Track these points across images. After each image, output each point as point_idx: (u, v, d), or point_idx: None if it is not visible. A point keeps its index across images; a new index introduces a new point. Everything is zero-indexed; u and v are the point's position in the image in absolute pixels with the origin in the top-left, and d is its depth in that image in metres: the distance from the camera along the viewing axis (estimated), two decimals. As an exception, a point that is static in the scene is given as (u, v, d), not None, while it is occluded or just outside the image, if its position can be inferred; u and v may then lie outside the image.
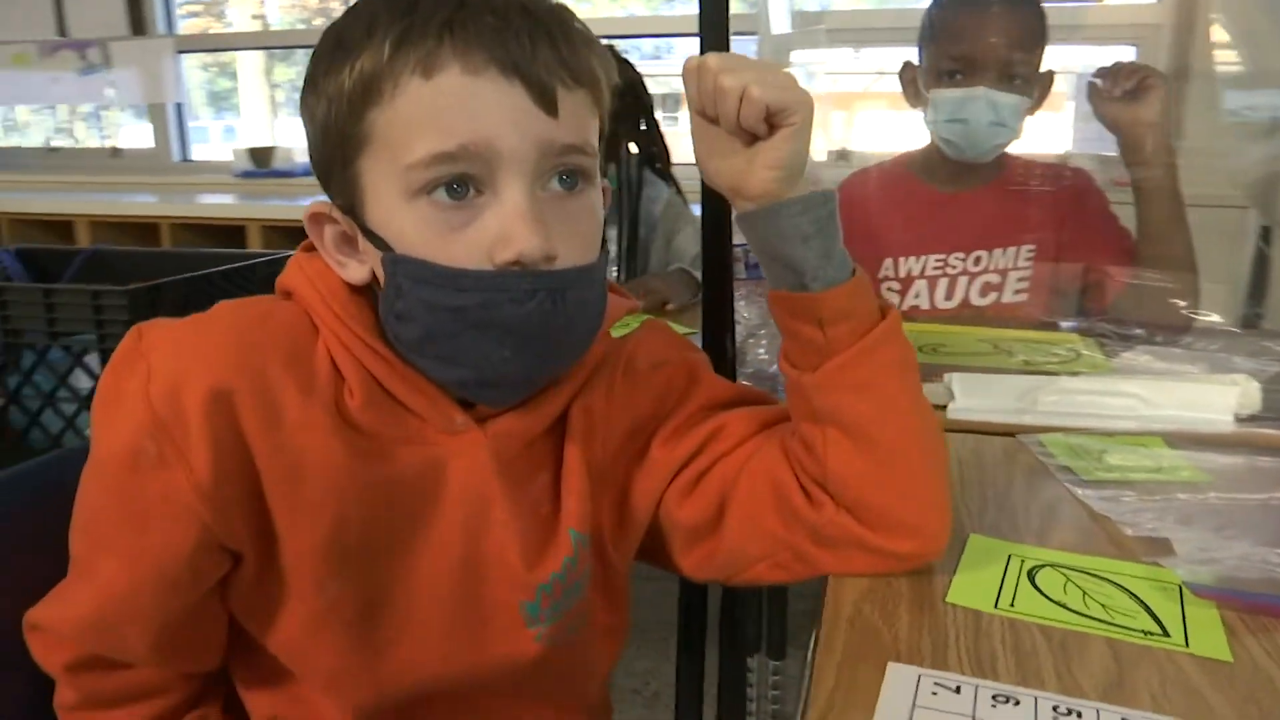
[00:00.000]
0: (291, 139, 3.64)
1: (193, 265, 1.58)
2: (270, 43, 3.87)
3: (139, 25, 3.69)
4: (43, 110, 4.21)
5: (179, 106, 3.76)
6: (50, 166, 3.88)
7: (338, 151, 0.63)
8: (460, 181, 0.59)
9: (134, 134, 3.96)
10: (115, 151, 3.91)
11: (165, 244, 3.04)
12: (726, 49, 0.92)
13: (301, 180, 3.36)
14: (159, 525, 0.62)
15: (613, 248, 1.72)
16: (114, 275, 1.70)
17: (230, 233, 3.00)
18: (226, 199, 3.35)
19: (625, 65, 1.62)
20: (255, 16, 3.96)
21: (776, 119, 0.64)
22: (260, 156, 3.48)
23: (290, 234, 2.87)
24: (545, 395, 0.71)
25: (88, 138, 4.16)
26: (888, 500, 0.68)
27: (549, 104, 0.59)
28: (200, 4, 3.96)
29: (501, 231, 0.59)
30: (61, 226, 3.18)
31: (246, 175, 3.46)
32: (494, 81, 0.58)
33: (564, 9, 0.63)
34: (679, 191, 1.80)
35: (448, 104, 0.58)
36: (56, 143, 4.13)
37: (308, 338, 0.65)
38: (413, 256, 0.60)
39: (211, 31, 3.95)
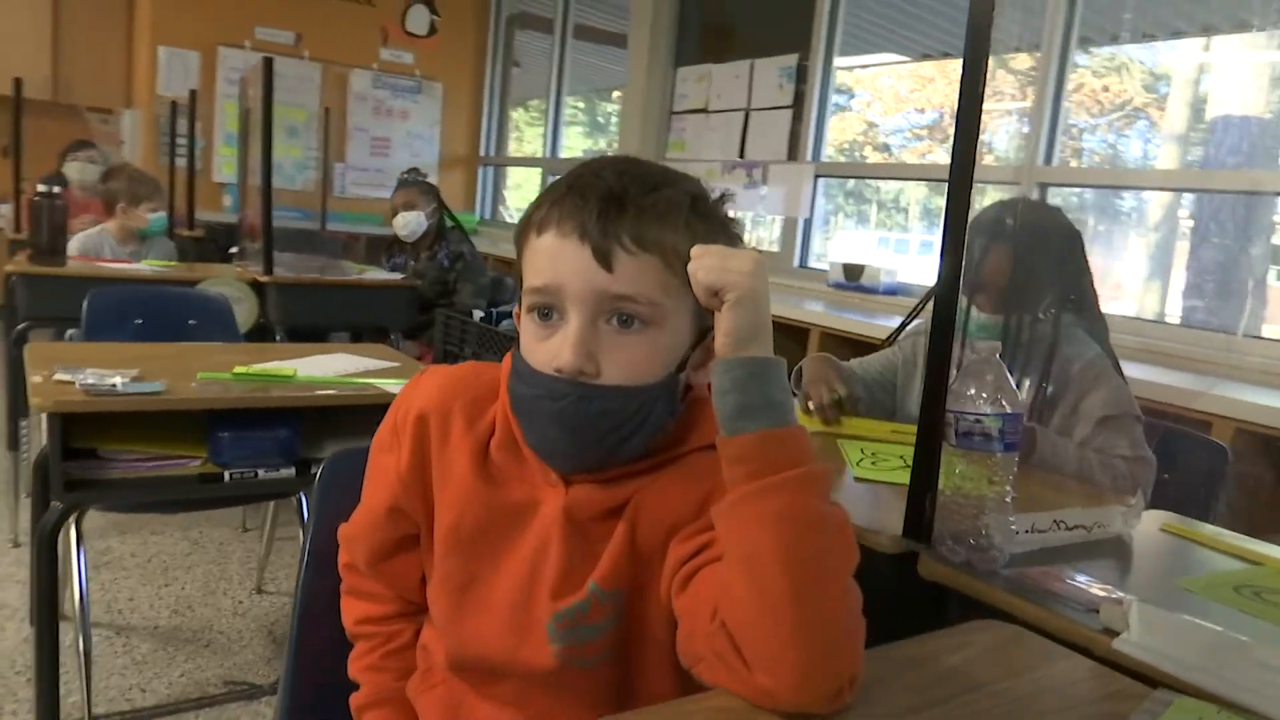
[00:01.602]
0: (884, 260, 3.93)
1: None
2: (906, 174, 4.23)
3: (793, 152, 4.37)
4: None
5: (807, 221, 4.33)
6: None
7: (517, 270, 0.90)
8: (546, 308, 0.82)
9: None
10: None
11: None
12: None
13: (881, 299, 3.64)
14: (378, 486, 0.96)
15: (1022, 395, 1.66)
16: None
17: (797, 334, 3.40)
18: (816, 306, 3.78)
19: (1054, 212, 1.62)
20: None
21: (720, 295, 0.75)
22: (851, 272, 3.85)
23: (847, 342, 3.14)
24: (619, 480, 0.87)
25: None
26: (750, 633, 0.70)
27: (606, 263, 0.78)
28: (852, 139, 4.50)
29: (558, 348, 0.80)
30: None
31: (837, 286, 3.86)
32: (571, 243, 0.79)
33: (660, 198, 0.81)
34: (1105, 347, 1.64)
35: (545, 254, 0.81)
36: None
37: (491, 394, 0.93)
38: (521, 354, 0.84)
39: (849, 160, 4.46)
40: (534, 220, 0.84)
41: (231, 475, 1.65)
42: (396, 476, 0.92)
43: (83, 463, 1.58)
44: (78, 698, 2.01)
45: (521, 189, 7.04)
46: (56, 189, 2.89)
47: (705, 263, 0.77)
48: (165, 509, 2.19)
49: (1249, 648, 0.80)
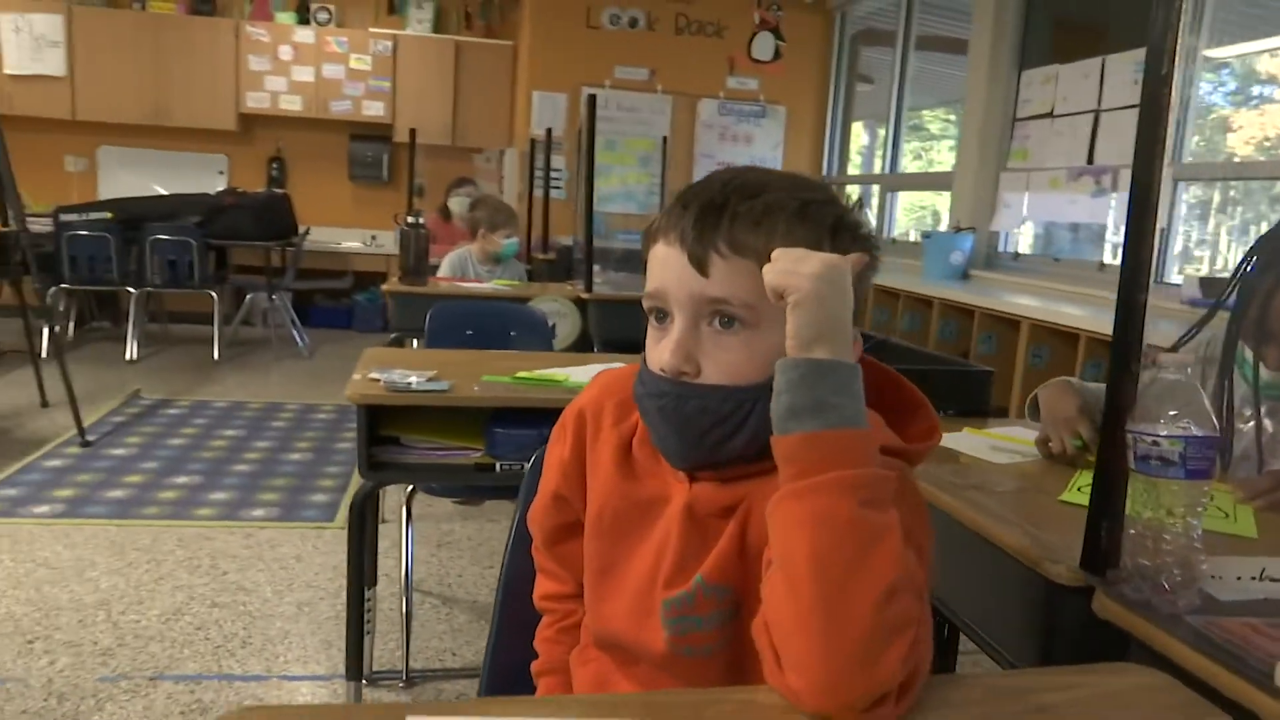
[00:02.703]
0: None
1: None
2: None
3: (1149, 154, 3.92)
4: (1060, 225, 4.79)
5: (1164, 231, 3.86)
6: (1047, 273, 4.45)
7: None
8: (658, 311, 0.88)
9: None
10: (1102, 266, 4.23)
11: (1081, 356, 3.30)
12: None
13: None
14: (548, 475, 1.08)
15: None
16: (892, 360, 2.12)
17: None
18: (1166, 324, 3.37)
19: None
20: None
21: (784, 298, 0.76)
22: (1211, 286, 3.38)
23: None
24: (737, 480, 0.91)
25: (1089, 252, 4.57)
26: (781, 633, 0.70)
27: (702, 269, 0.83)
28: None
29: (664, 349, 0.87)
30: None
31: (1193, 303, 3.41)
32: (674, 250, 0.85)
33: (759, 203, 0.84)
34: None
35: (655, 261, 0.88)
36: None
37: None
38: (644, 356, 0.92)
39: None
40: (650, 230, 0.90)
41: (501, 466, 1.86)
42: (560, 467, 1.02)
43: (388, 448, 1.88)
44: (401, 651, 2.37)
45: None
46: (422, 220, 3.40)
47: (775, 265, 0.78)
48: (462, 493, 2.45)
49: None
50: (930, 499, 1.28)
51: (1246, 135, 3.96)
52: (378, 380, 1.85)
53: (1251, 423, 1.45)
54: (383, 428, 1.88)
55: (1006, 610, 1.13)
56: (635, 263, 5.89)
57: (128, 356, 5.56)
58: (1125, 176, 3.97)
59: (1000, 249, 4.97)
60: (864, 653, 0.67)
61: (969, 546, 1.18)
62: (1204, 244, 4.17)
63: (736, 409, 0.84)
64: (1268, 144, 3.94)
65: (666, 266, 0.86)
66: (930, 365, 1.87)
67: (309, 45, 6.90)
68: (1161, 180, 0.96)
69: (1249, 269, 1.40)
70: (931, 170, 6.13)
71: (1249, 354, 1.46)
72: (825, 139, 7.01)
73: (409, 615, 2.40)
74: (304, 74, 6.91)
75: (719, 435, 0.85)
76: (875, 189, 6.44)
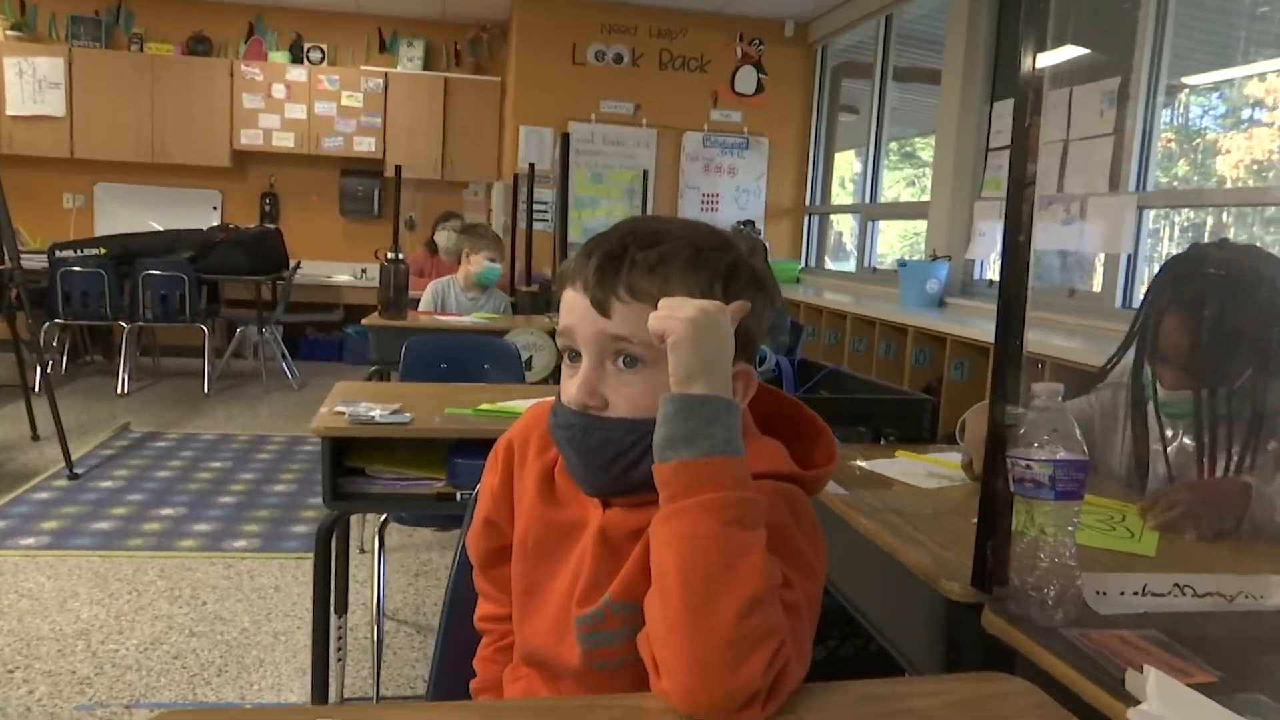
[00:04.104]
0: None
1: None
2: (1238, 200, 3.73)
3: (1114, 182, 4.01)
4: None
5: (1129, 258, 3.94)
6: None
7: None
8: (569, 350, 0.95)
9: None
10: (1071, 293, 4.31)
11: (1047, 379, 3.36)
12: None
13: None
14: (481, 501, 1.15)
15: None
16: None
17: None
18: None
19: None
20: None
21: (664, 339, 0.83)
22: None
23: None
24: (647, 505, 0.98)
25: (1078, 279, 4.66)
26: (655, 640, 0.78)
27: (604, 312, 0.91)
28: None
29: (572, 385, 0.94)
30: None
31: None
32: (580, 295, 0.92)
33: (655, 253, 0.91)
34: None
35: (564, 305, 0.94)
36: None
37: None
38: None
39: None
40: (560, 275, 0.98)
41: (462, 495, 1.93)
42: (491, 494, 1.09)
43: (354, 479, 1.94)
44: (373, 679, 2.42)
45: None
46: (401, 256, 3.49)
47: (658, 311, 0.85)
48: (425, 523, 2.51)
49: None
50: (851, 521, 1.35)
51: (1235, 159, 4.04)
52: (343, 413, 1.91)
53: (1173, 444, 1.52)
54: (350, 459, 1.95)
55: (915, 624, 1.19)
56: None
57: (119, 390, 5.63)
58: (1093, 204, 4.08)
59: (976, 276, 5.05)
60: (727, 658, 0.74)
61: (884, 566, 1.24)
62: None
63: (638, 440, 0.91)
64: (1256, 166, 4.03)
65: (573, 310, 0.93)
66: (874, 394, 1.94)
67: (301, 83, 7.04)
68: (1036, 216, 1.02)
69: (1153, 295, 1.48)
70: (925, 199, 6.22)
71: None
72: (809, 169, 7.12)
73: (380, 642, 2.45)
74: (296, 111, 7.04)
75: (623, 465, 0.92)
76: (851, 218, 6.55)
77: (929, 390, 3.97)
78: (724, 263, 0.94)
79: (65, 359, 6.27)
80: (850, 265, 6.55)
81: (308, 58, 7.15)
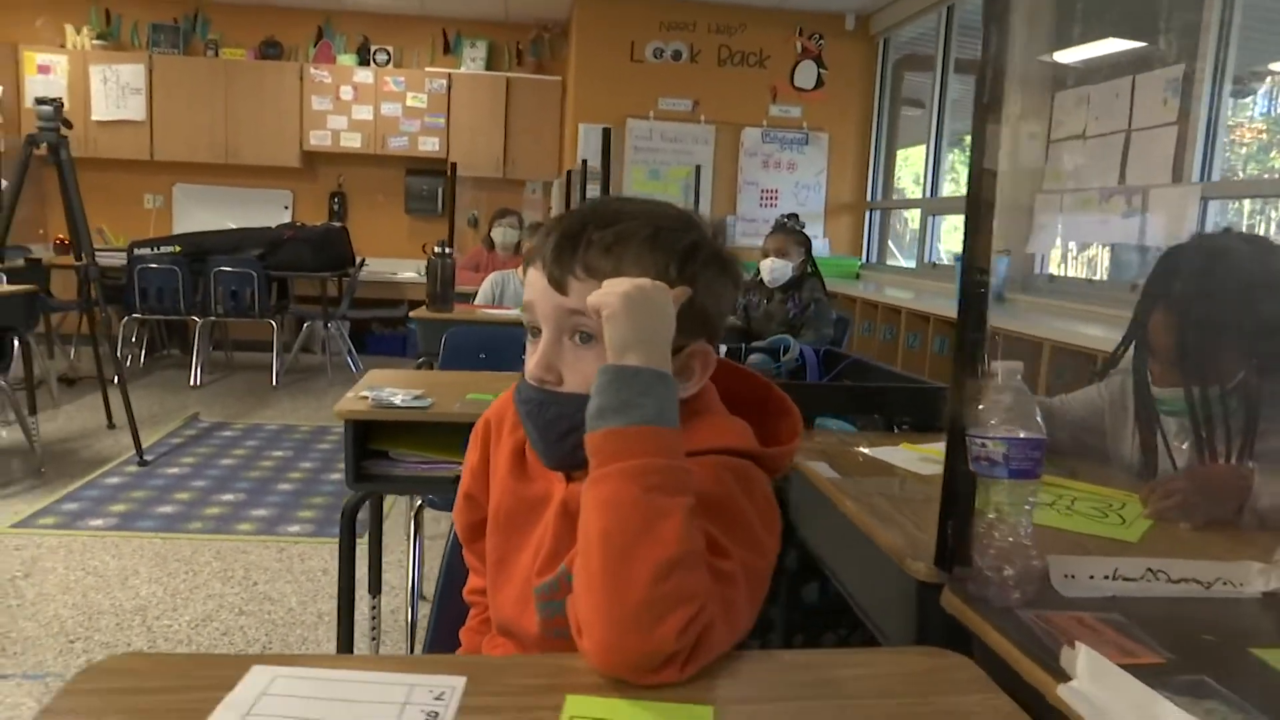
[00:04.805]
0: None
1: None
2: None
3: (1178, 173, 3.88)
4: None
5: (1193, 250, 3.81)
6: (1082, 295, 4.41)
7: None
8: (531, 327, 0.99)
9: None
10: (1134, 286, 4.18)
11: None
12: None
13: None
14: (464, 476, 1.19)
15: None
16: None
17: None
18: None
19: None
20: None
21: (600, 314, 0.86)
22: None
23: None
24: None
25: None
26: (578, 601, 0.80)
27: (561, 289, 0.94)
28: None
29: (531, 360, 0.97)
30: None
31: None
32: (540, 273, 0.95)
33: (612, 232, 0.94)
34: None
35: (528, 282, 0.98)
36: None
37: None
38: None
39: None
40: (527, 254, 1.01)
41: (481, 479, 1.97)
42: (470, 469, 1.13)
43: (378, 461, 2.01)
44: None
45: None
46: (449, 251, 3.57)
47: (600, 289, 0.88)
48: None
49: (1164, 715, 0.70)
50: (837, 502, 1.35)
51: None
52: (366, 398, 1.98)
53: (1173, 438, 1.48)
54: (376, 442, 2.01)
55: (890, 605, 1.19)
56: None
57: (192, 382, 5.87)
58: (1153, 196, 3.96)
59: (1036, 271, 4.93)
60: (642, 619, 0.76)
61: (864, 547, 1.25)
62: None
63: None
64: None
65: (534, 287, 0.96)
66: (888, 382, 1.93)
67: (368, 85, 7.22)
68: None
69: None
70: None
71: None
72: (869, 164, 7.03)
73: (413, 623, 2.52)
74: (363, 112, 7.23)
75: (576, 438, 0.94)
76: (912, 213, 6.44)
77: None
78: (682, 243, 0.96)
79: (144, 352, 6.55)
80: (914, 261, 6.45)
81: (374, 60, 7.34)
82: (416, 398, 2.00)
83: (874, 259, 7.06)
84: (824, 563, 1.50)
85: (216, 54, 7.20)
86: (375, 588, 2.42)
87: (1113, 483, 1.47)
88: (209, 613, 2.78)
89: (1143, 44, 4.31)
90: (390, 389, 2.03)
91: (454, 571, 1.37)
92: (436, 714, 0.73)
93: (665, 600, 0.76)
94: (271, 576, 3.07)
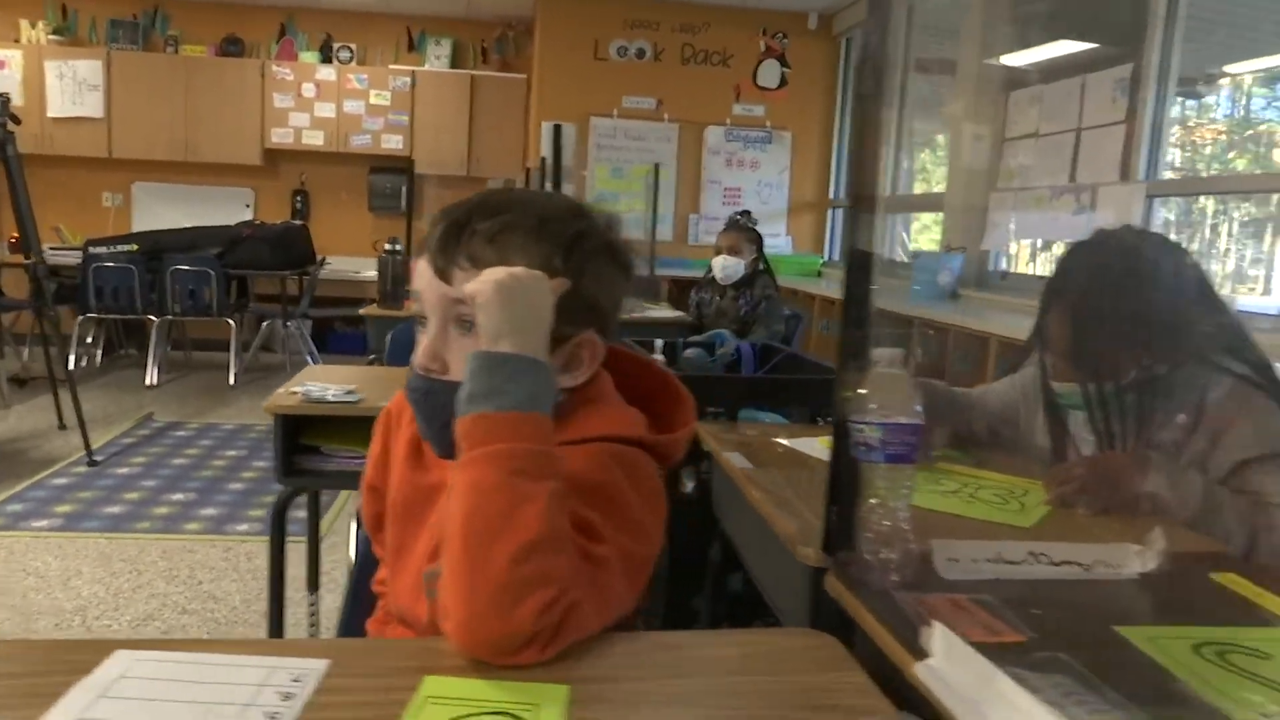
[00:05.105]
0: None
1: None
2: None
3: (1125, 171, 3.94)
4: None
5: (1139, 247, 3.87)
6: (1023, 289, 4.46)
7: None
8: (420, 316, 1.00)
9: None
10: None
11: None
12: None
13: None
14: (367, 468, 1.19)
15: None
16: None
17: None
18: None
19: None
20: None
21: (473, 302, 0.87)
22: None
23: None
24: None
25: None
26: (441, 580, 0.81)
27: (445, 279, 0.95)
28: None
29: (418, 349, 0.98)
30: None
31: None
32: (426, 262, 0.97)
33: (497, 223, 0.94)
34: (1263, 372, 1.35)
35: (416, 272, 1.00)
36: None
37: None
38: None
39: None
40: (418, 245, 1.02)
41: (411, 473, 1.97)
42: (372, 460, 1.14)
43: (310, 456, 2.00)
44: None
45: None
46: (399, 248, 3.56)
47: (477, 278, 0.89)
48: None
49: (1003, 689, 0.71)
50: (744, 491, 1.37)
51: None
52: (297, 394, 1.97)
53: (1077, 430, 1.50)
54: (309, 438, 2.01)
55: (789, 590, 1.21)
56: (641, 287, 6.00)
57: (148, 382, 5.81)
58: (1101, 194, 4.01)
59: (991, 268, 4.98)
60: (499, 601, 0.77)
61: (766, 535, 1.26)
62: (1259, 263, 4.11)
63: None
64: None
65: (421, 277, 0.98)
66: (818, 375, 1.95)
67: (331, 83, 7.18)
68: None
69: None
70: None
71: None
72: (832, 163, 7.07)
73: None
74: (326, 110, 7.18)
75: (448, 423, 0.95)
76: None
77: (929, 381, 3.93)
78: (567, 233, 0.96)
79: (100, 352, 6.48)
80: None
81: (337, 57, 7.30)
82: (349, 392, 1.99)
83: (837, 257, 7.10)
84: (739, 551, 1.52)
85: (176, 50, 7.13)
86: (313, 583, 2.41)
87: (1025, 472, 1.50)
88: (151, 612, 2.76)
89: (1093, 45, 4.37)
90: (324, 385, 2.03)
91: (366, 564, 1.36)
92: (291, 695, 0.74)
93: (524, 583, 0.77)
94: (217, 575, 3.05)
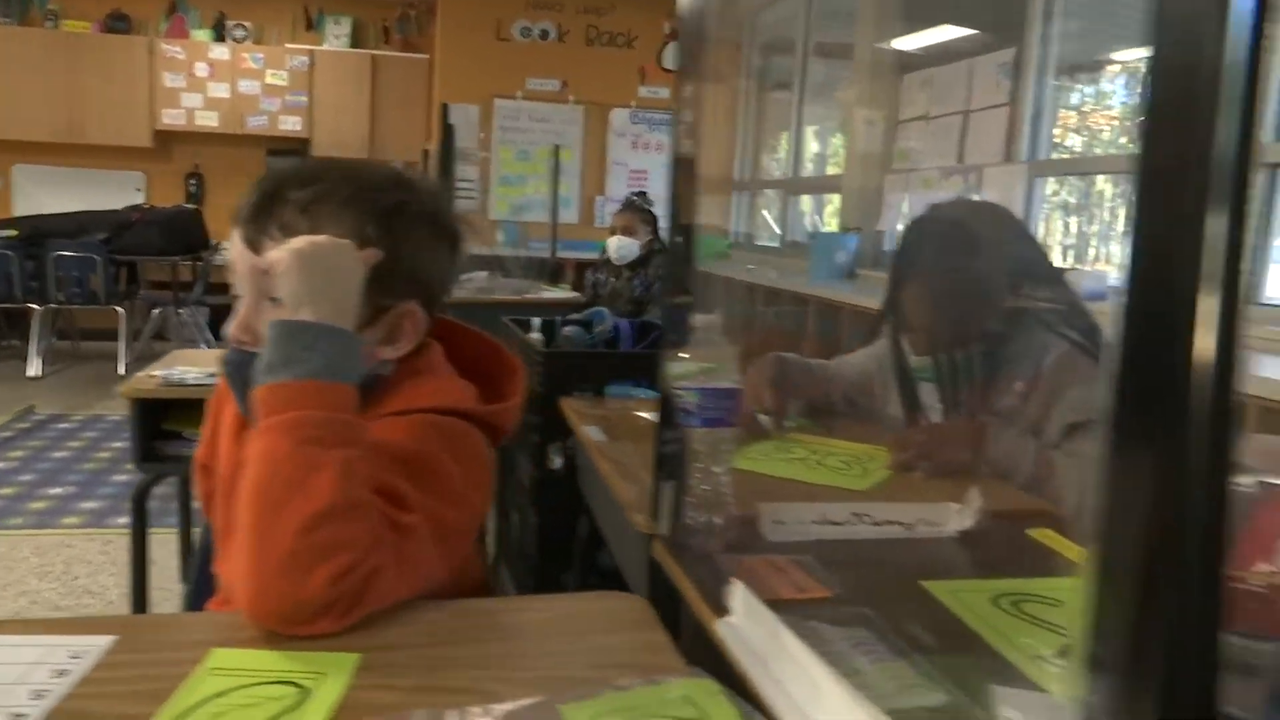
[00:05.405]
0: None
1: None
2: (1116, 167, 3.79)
3: (1009, 153, 4.06)
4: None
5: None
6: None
7: None
8: (234, 287, 0.97)
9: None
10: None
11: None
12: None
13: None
14: (199, 445, 1.15)
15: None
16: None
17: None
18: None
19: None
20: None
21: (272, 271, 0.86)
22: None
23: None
24: None
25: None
26: (235, 551, 0.80)
27: (256, 250, 0.92)
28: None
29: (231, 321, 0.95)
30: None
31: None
32: (238, 233, 0.94)
33: (309, 192, 0.93)
34: (1092, 339, 1.41)
35: (231, 243, 0.97)
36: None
37: None
38: None
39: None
40: (231, 216, 0.99)
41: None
42: (204, 439, 1.12)
43: (171, 442, 1.94)
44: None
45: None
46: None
47: (279, 247, 0.87)
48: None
49: (787, 642, 0.73)
50: (595, 461, 1.37)
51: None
52: (155, 376, 1.91)
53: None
54: (172, 423, 1.95)
55: (631, 557, 1.22)
56: (543, 269, 5.97)
57: (30, 373, 5.57)
58: (987, 174, 4.13)
59: (886, 248, 5.09)
60: (287, 570, 0.75)
61: (614, 503, 1.27)
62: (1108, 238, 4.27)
63: None
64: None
65: (234, 248, 0.95)
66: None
67: (225, 62, 6.94)
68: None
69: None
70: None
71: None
72: (738, 145, 7.13)
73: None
74: (220, 90, 6.95)
75: None
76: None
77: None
78: (382, 203, 0.95)
79: (-20, 343, 6.18)
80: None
81: (231, 35, 7.06)
82: (210, 375, 1.93)
83: (742, 238, 7.17)
84: (600, 526, 1.52)
85: (56, 25, 6.81)
86: (187, 575, 2.34)
87: (876, 441, 1.53)
88: (19, 610, 2.65)
89: (977, 31, 4.48)
90: (185, 368, 1.97)
91: (208, 547, 1.33)
92: (65, 672, 0.71)
93: (313, 551, 0.76)
94: (94, 570, 2.94)
